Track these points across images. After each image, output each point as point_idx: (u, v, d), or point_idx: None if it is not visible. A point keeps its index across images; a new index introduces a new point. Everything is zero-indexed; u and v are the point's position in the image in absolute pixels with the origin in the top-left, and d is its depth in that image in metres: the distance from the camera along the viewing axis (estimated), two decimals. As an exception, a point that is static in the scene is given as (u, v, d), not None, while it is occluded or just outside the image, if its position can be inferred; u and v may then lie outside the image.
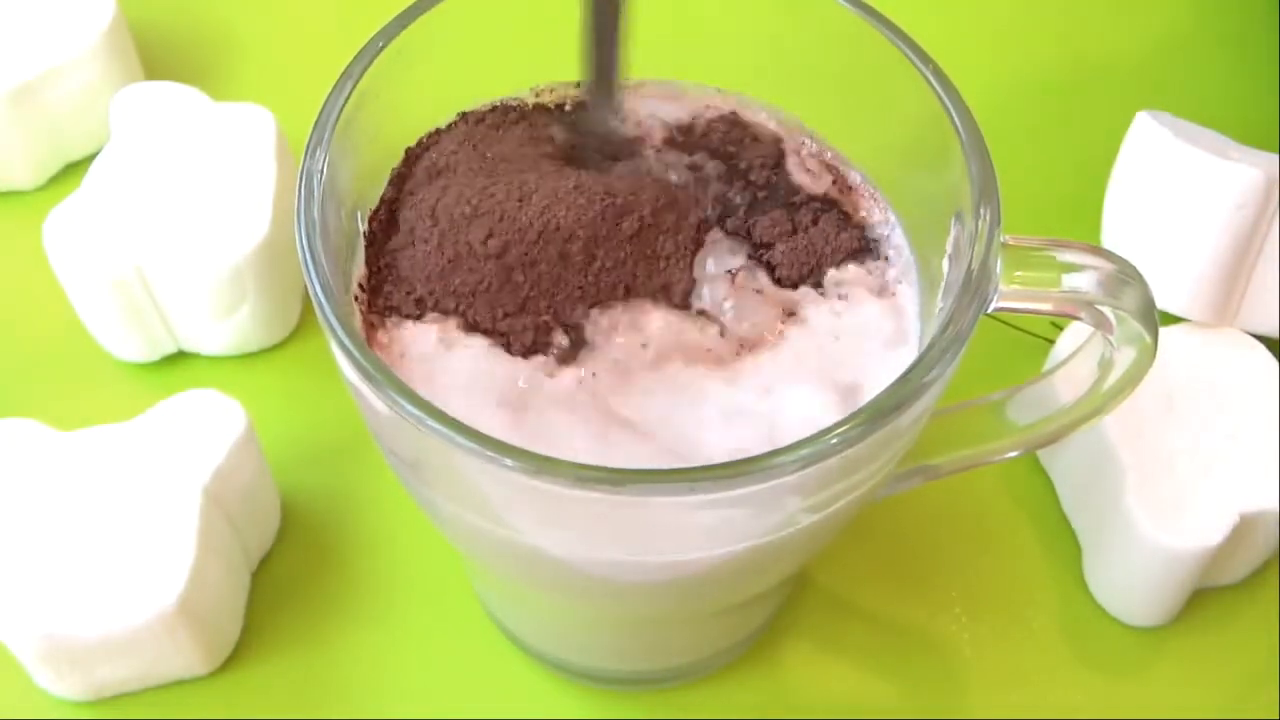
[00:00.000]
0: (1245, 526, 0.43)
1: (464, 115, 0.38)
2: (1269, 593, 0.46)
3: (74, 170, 0.53)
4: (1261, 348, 0.47)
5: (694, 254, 0.36)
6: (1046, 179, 0.55)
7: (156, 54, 0.57)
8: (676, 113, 0.39)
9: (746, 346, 0.34)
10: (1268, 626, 0.45)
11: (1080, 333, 0.45)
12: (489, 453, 0.29)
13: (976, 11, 0.61)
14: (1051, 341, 0.48)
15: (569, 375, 0.33)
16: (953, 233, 0.33)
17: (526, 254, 0.34)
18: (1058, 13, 0.61)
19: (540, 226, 0.34)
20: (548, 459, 0.29)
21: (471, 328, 0.34)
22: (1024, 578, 0.46)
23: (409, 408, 0.29)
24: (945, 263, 0.34)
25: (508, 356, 0.34)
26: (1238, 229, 0.46)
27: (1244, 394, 0.45)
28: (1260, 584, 0.46)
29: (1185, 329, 0.47)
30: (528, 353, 0.34)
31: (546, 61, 0.39)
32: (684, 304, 0.35)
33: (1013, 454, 0.38)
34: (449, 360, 0.34)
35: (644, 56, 0.39)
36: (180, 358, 0.50)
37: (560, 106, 0.39)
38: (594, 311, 0.34)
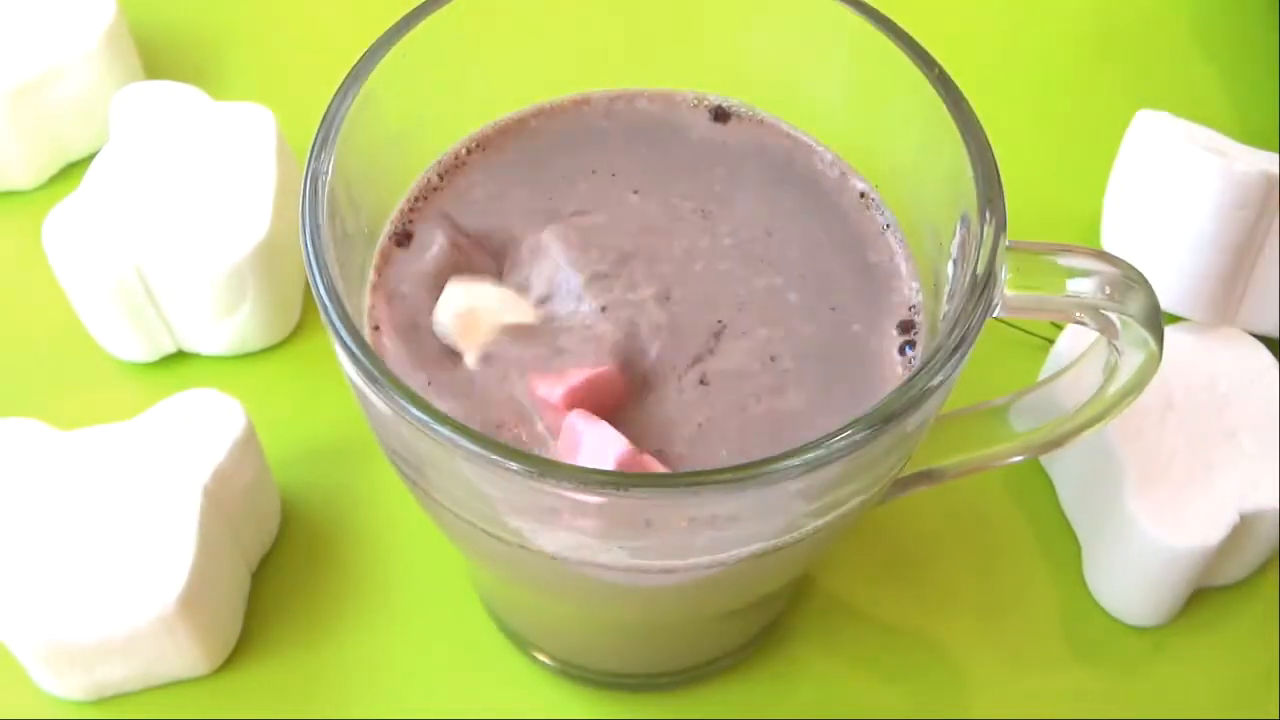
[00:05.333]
0: (1245, 526, 0.43)
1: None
2: (1269, 593, 0.46)
3: (74, 170, 0.53)
4: (1261, 348, 0.47)
5: None
6: (1046, 178, 0.55)
7: (156, 54, 0.57)
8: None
9: None
10: (1268, 626, 0.45)
11: (1080, 333, 0.45)
12: (493, 456, 0.29)
13: (975, 11, 0.61)
14: (1051, 341, 0.48)
15: None
16: (958, 236, 0.33)
17: None
18: (1057, 12, 0.61)
19: None
20: (551, 462, 0.29)
21: None
22: (1024, 578, 0.46)
23: (413, 410, 0.29)
24: (950, 267, 0.34)
25: None
26: (1238, 229, 0.46)
27: (1244, 394, 0.45)
28: (1260, 584, 0.46)
29: (1185, 329, 0.47)
30: None
31: (553, 64, 0.39)
32: None
33: (1017, 459, 0.38)
34: None
35: (639, 64, 0.39)
36: (180, 358, 0.49)
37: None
38: None
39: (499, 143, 0.39)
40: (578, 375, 0.33)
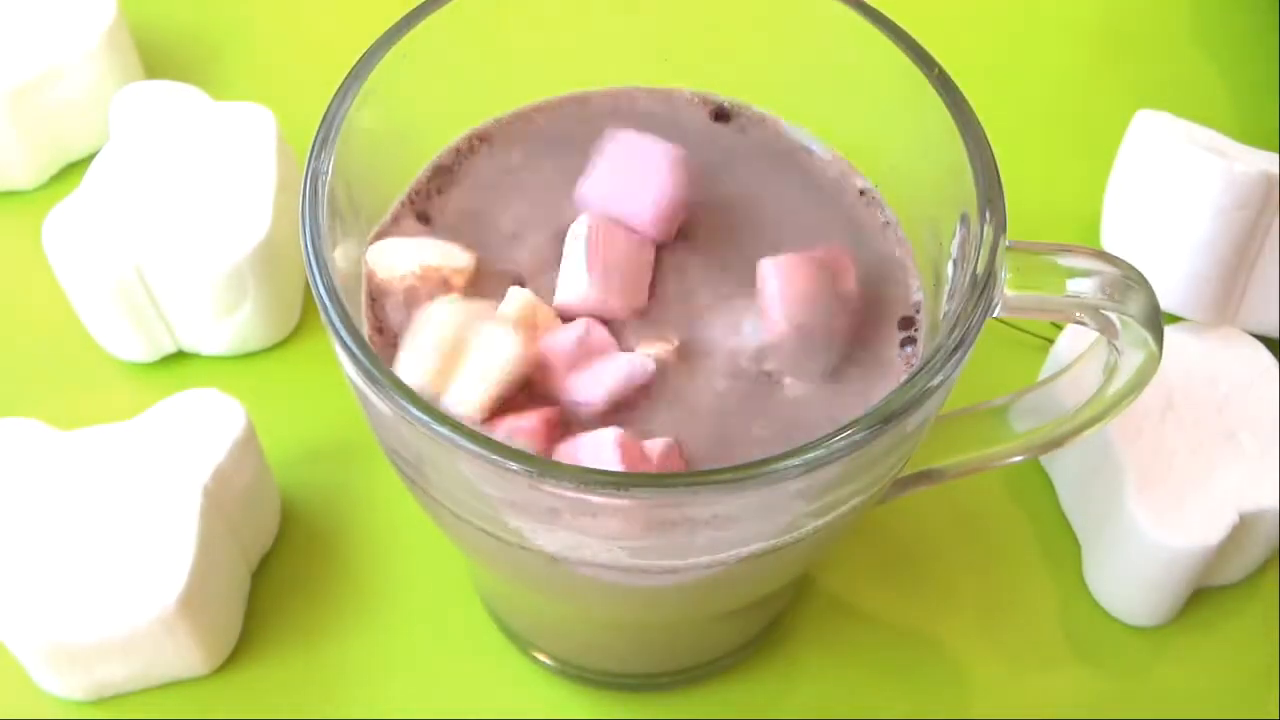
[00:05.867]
0: (1245, 526, 0.43)
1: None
2: (1269, 593, 0.46)
3: (74, 170, 0.53)
4: (1261, 348, 0.47)
5: None
6: (1046, 178, 0.55)
7: (156, 54, 0.57)
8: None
9: None
10: (1268, 626, 0.45)
11: (1080, 333, 0.45)
12: (493, 456, 0.29)
13: (976, 11, 0.61)
14: (1051, 341, 0.48)
15: None
16: (958, 236, 0.33)
17: None
18: (1058, 12, 0.61)
19: None
20: (551, 462, 0.29)
21: None
22: (1024, 578, 0.46)
23: (413, 410, 0.29)
24: (950, 266, 0.34)
25: None
26: (1238, 229, 0.46)
27: (1244, 394, 0.45)
28: (1260, 584, 0.46)
29: (1185, 329, 0.47)
30: None
31: (553, 64, 0.39)
32: None
33: (1017, 459, 0.38)
34: None
35: (640, 63, 0.39)
36: (180, 358, 0.49)
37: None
38: None
39: (499, 142, 0.39)
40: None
